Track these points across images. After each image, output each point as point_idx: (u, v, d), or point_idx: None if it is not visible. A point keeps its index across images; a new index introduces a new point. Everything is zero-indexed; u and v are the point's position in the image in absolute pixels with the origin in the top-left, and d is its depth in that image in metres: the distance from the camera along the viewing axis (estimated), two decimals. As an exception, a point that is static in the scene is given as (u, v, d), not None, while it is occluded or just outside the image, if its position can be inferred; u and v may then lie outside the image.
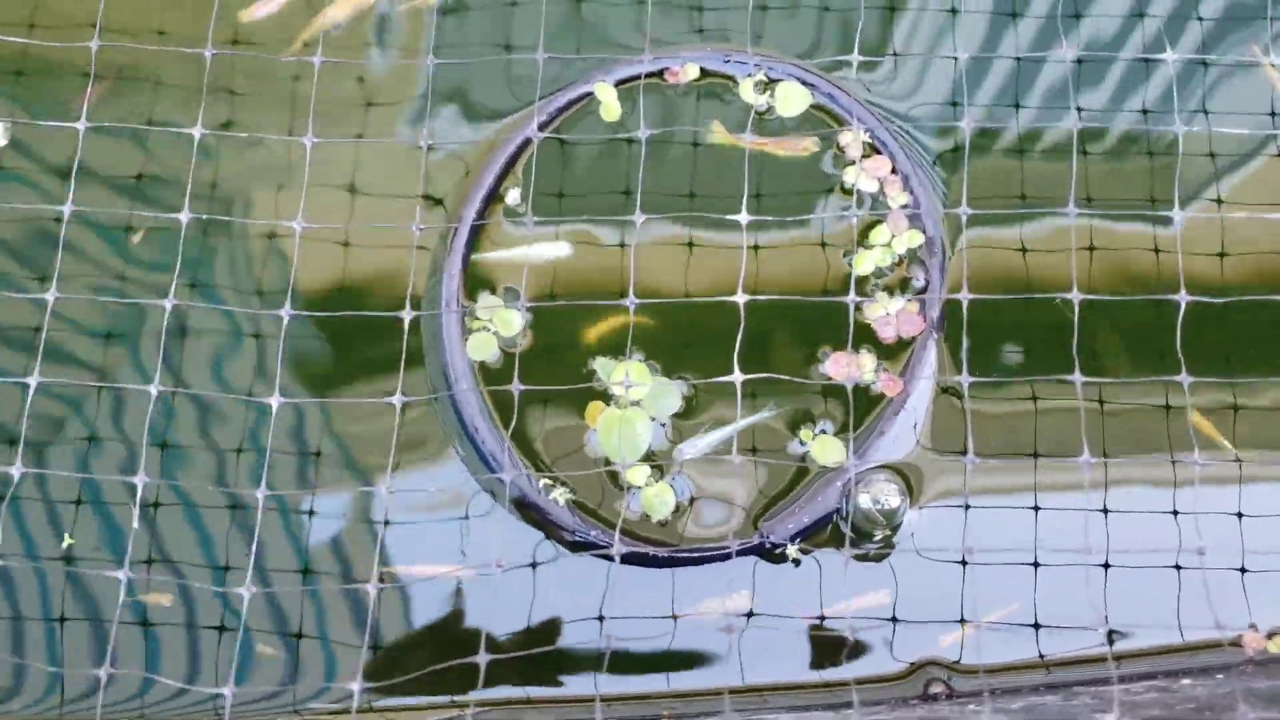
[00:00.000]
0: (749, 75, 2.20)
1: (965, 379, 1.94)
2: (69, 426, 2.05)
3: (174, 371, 2.07)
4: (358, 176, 2.18)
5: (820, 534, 1.98)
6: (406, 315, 2.03)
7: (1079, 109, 2.20)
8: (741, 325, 1.97)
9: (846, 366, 2.03)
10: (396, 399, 1.98)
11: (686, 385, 2.04)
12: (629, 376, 2.01)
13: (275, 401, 1.96)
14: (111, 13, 2.24)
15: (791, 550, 1.97)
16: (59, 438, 2.04)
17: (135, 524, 1.93)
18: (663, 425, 2.03)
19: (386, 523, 1.99)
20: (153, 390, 1.96)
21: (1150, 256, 2.12)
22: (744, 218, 2.05)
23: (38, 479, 2.02)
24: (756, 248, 2.12)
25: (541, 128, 2.16)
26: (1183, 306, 1.97)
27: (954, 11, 2.25)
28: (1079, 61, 2.23)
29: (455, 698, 1.92)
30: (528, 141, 2.15)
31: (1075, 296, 1.98)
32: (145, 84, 2.23)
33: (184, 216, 2.05)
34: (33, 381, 1.97)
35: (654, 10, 2.25)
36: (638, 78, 2.20)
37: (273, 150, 2.19)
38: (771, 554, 1.97)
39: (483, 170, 2.15)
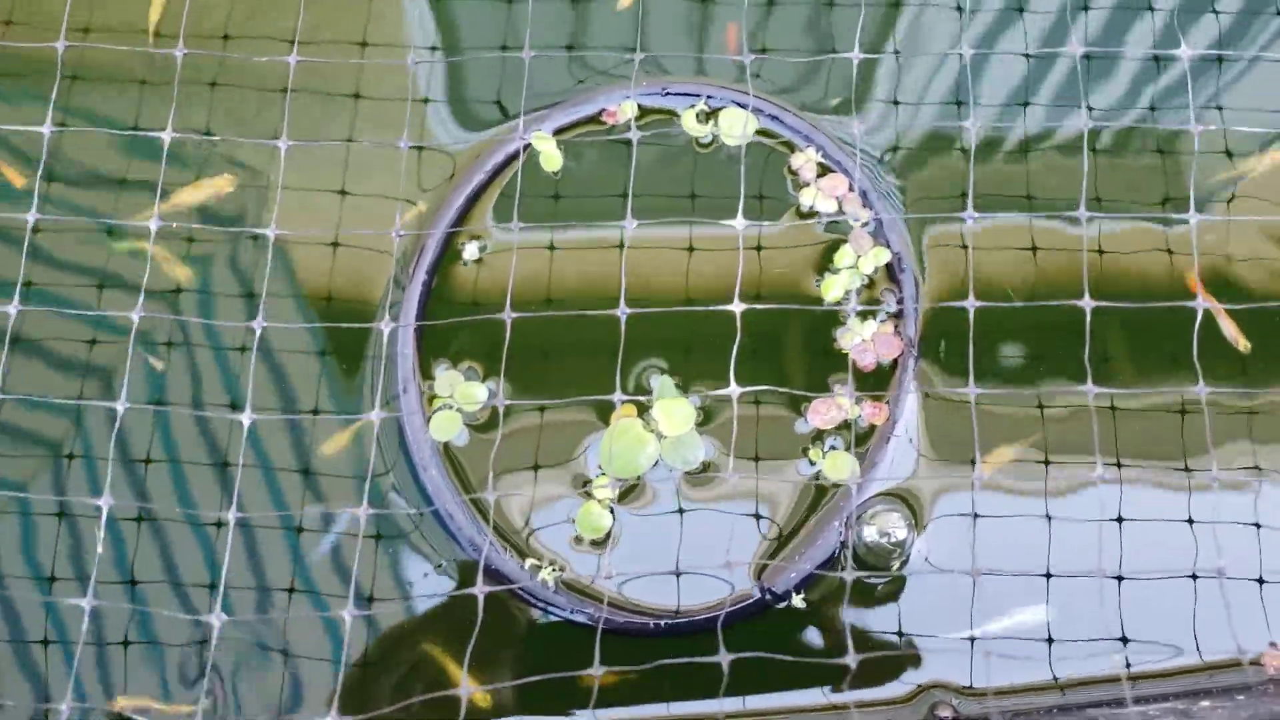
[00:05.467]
0: (690, 106, 2.11)
1: (973, 390, 1.87)
2: (30, 442, 1.98)
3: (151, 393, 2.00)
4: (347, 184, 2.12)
5: (824, 580, 1.91)
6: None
7: (1089, 108, 2.13)
8: (738, 335, 1.90)
9: (828, 412, 1.96)
10: (373, 414, 1.90)
11: (714, 451, 1.96)
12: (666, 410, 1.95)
13: (246, 418, 1.89)
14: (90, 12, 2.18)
15: (796, 601, 1.90)
16: (21, 451, 1.98)
17: (100, 548, 1.86)
18: (670, 470, 1.95)
19: (370, 536, 1.93)
20: (119, 407, 1.88)
21: (1163, 259, 2.04)
22: (740, 223, 1.97)
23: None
24: (756, 247, 2.04)
25: (481, 188, 2.08)
26: (1200, 314, 1.89)
27: (959, 10, 2.17)
28: (1088, 58, 2.16)
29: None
30: (472, 201, 2.07)
31: (1087, 304, 1.91)
32: (118, 84, 2.16)
33: (153, 224, 1.97)
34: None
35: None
36: (576, 124, 2.12)
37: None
38: (774, 609, 1.91)
39: (426, 239, 2.06)
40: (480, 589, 1.75)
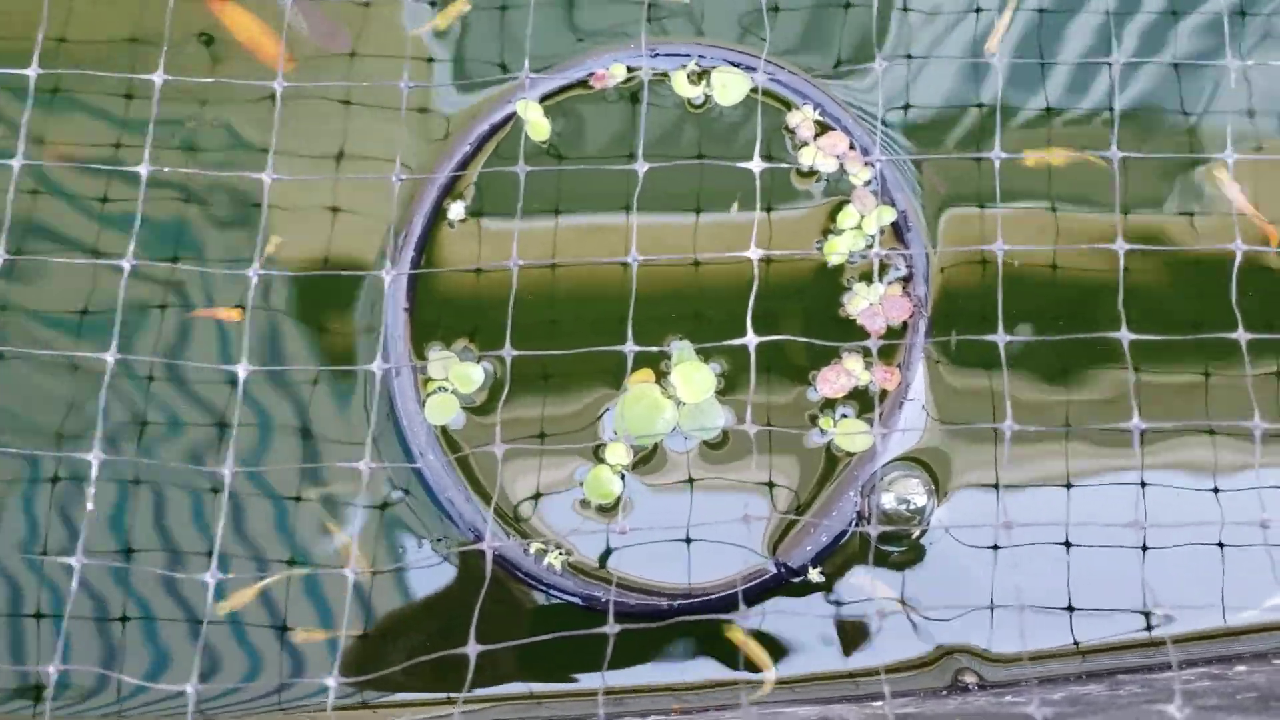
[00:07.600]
0: (681, 67, 2.03)
1: (1001, 338, 1.79)
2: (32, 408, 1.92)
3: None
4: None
5: (841, 550, 1.85)
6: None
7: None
8: (755, 283, 1.82)
9: (837, 380, 1.89)
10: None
11: (733, 419, 1.88)
12: (689, 378, 1.87)
13: (243, 370, 1.80)
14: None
15: (813, 574, 1.83)
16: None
17: (90, 504, 1.78)
18: (685, 439, 1.88)
19: (386, 505, 1.85)
20: (109, 359, 1.79)
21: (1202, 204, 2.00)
22: (757, 165, 1.90)
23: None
24: (768, 208, 1.97)
25: (466, 161, 2.00)
26: (1238, 257, 1.82)
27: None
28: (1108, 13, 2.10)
29: (451, 694, 1.80)
30: (462, 168, 2.00)
31: (1120, 247, 1.83)
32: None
33: (143, 169, 1.88)
34: None
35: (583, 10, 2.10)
36: (563, 90, 2.03)
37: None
38: (790, 584, 1.84)
39: (412, 216, 1.98)
40: (489, 544, 1.67)
